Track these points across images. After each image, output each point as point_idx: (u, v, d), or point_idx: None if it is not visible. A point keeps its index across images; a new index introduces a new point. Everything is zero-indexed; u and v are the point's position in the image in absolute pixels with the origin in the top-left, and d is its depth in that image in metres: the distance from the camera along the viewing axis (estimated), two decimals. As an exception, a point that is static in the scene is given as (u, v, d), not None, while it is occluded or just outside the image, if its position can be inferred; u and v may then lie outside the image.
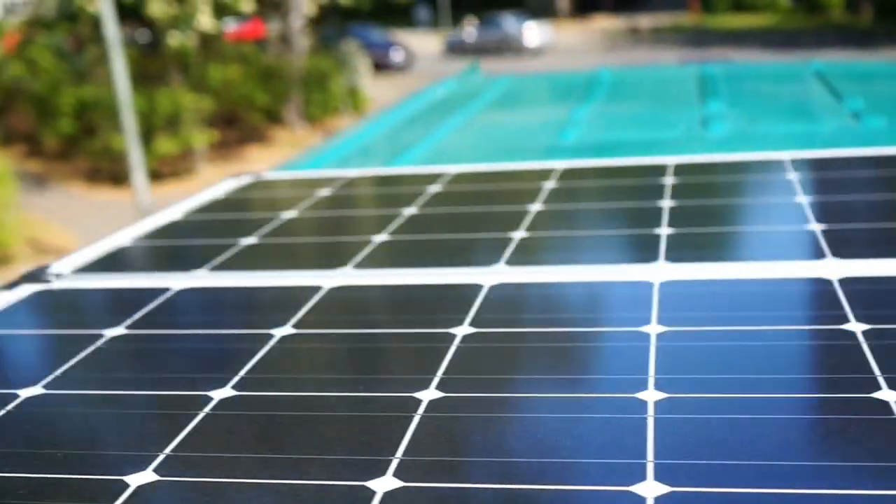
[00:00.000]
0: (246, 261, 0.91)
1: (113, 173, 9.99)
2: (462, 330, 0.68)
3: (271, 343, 0.68)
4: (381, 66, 17.48)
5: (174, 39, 10.63)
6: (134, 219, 7.81)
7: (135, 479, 0.49)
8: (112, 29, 7.71)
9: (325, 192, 1.21)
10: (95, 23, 9.04)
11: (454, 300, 0.75)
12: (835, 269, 0.76)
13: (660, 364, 0.59)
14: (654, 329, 0.66)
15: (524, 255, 0.87)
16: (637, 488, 0.45)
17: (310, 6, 12.46)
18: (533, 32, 19.73)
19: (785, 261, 0.79)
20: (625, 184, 1.13)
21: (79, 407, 0.59)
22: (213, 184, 1.37)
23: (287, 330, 0.71)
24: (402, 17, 24.42)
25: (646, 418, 0.52)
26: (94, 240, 1.08)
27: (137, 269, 0.91)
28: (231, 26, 13.24)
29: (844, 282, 0.72)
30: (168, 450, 0.52)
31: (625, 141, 1.80)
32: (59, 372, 0.65)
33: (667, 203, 1.01)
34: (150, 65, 11.05)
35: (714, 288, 0.73)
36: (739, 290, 0.73)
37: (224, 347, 0.68)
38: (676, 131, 1.87)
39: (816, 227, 0.88)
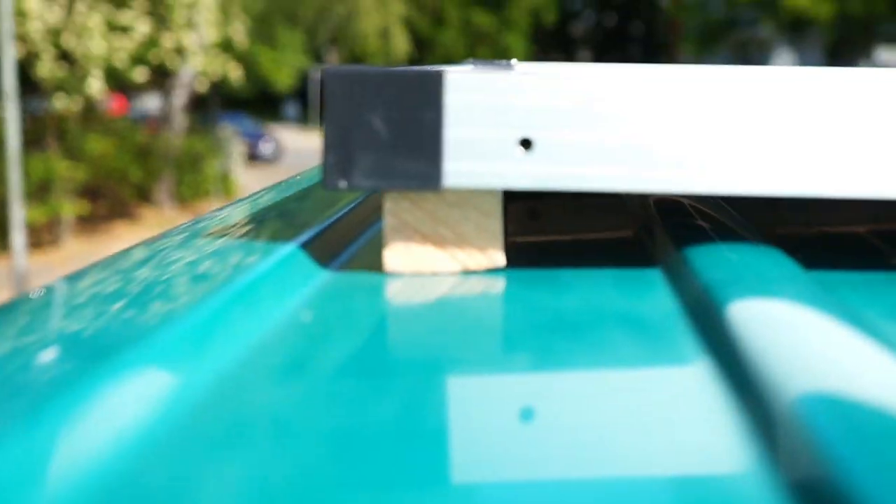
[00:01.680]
0: None
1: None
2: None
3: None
4: (252, 156, 17.47)
5: (60, 102, 10.40)
6: (8, 284, 7.52)
7: None
8: (10, 81, 7.52)
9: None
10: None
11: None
12: None
13: None
14: None
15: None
16: None
17: (201, 82, 12.40)
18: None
19: None
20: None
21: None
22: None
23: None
24: (272, 111, 24.55)
25: None
26: None
27: None
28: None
29: None
30: None
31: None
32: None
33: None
34: (28, 129, 10.74)
35: None
36: None
37: None
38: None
39: None
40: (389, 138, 0.52)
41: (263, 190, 0.86)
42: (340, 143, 0.53)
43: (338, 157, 0.53)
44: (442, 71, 0.53)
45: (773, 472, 0.30)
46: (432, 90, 0.52)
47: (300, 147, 20.89)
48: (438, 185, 0.53)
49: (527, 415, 0.35)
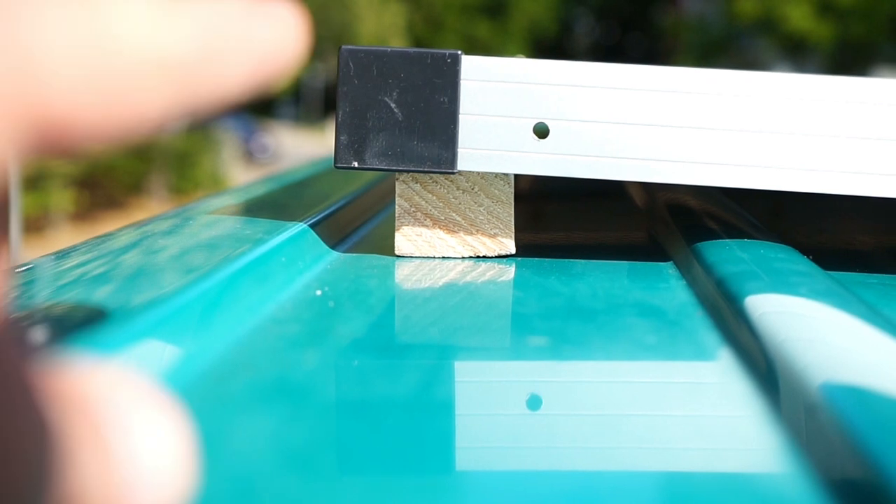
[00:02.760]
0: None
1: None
2: None
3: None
4: (248, 154, 17.46)
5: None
6: None
7: None
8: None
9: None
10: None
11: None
12: None
13: None
14: None
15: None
16: None
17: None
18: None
19: None
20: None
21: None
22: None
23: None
24: (267, 111, 24.55)
25: None
26: None
27: None
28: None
29: None
30: None
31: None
32: None
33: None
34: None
35: None
36: None
37: None
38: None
39: None
40: (404, 119, 0.52)
41: (271, 176, 0.86)
42: (354, 122, 0.52)
43: (350, 136, 0.52)
44: (459, 53, 0.52)
45: (798, 462, 0.29)
46: (449, 72, 0.52)
47: (295, 147, 20.90)
48: (453, 167, 0.52)
49: (538, 401, 0.34)
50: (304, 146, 20.22)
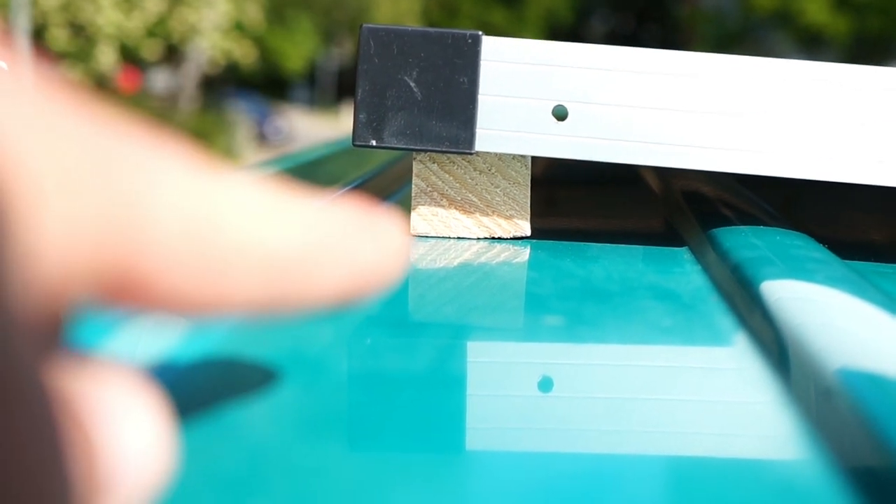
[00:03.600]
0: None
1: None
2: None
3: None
4: (262, 136, 17.48)
5: (71, 74, 10.45)
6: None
7: None
8: (23, 51, 7.55)
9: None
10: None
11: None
12: None
13: None
14: None
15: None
16: None
17: (213, 61, 12.46)
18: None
19: None
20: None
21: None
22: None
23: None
24: (281, 93, 24.56)
25: None
26: None
27: None
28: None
29: None
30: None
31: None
32: None
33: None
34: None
35: None
36: None
37: None
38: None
39: None
40: (423, 99, 0.52)
41: (285, 155, 0.86)
42: (373, 101, 0.52)
43: (369, 115, 0.52)
44: (479, 34, 0.52)
45: (814, 447, 0.29)
46: (469, 53, 0.52)
47: (309, 130, 20.93)
48: (471, 148, 0.52)
49: (551, 382, 0.34)
50: (318, 129, 20.23)
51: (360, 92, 0.52)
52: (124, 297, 0.17)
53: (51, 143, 0.15)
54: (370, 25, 0.52)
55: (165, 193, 0.17)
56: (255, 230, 0.18)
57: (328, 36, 22.71)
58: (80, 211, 0.15)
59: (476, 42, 0.52)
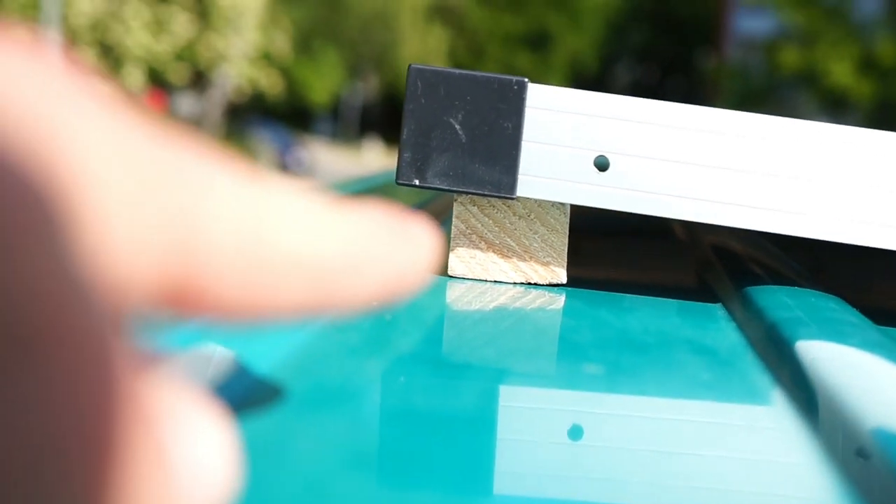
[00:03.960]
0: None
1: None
2: None
3: None
4: (284, 166, 17.57)
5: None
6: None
7: None
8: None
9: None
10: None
11: None
12: None
13: None
14: None
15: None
16: None
17: (239, 89, 12.53)
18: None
19: None
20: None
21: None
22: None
23: None
24: (305, 125, 24.70)
25: None
26: None
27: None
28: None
29: None
30: None
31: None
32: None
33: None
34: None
35: None
36: None
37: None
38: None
39: None
40: (467, 142, 0.52)
41: (322, 186, 0.86)
42: (418, 141, 0.53)
43: (414, 154, 0.53)
44: (525, 81, 0.53)
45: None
46: (515, 98, 0.52)
47: (330, 164, 21.01)
48: (512, 193, 0.53)
49: (583, 431, 0.35)
50: (340, 163, 20.32)
51: (405, 131, 0.53)
52: (179, 305, 0.17)
53: (116, 151, 0.15)
54: (418, 66, 0.53)
55: (219, 204, 0.17)
56: (302, 239, 0.19)
57: (354, 70, 22.87)
58: (143, 221, 0.16)
59: (522, 88, 0.52)
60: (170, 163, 0.16)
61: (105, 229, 0.15)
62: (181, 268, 0.17)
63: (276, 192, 0.19)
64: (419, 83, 0.53)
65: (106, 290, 0.15)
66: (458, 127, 0.52)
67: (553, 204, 0.55)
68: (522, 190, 0.53)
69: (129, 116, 0.16)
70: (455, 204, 0.55)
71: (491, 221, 0.55)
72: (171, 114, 15.46)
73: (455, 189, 0.53)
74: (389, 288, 0.21)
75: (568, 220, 0.55)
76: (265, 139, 15.46)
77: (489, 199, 0.54)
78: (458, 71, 0.53)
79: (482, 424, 0.34)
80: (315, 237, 0.19)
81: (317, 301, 0.19)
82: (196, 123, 13.24)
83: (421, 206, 0.68)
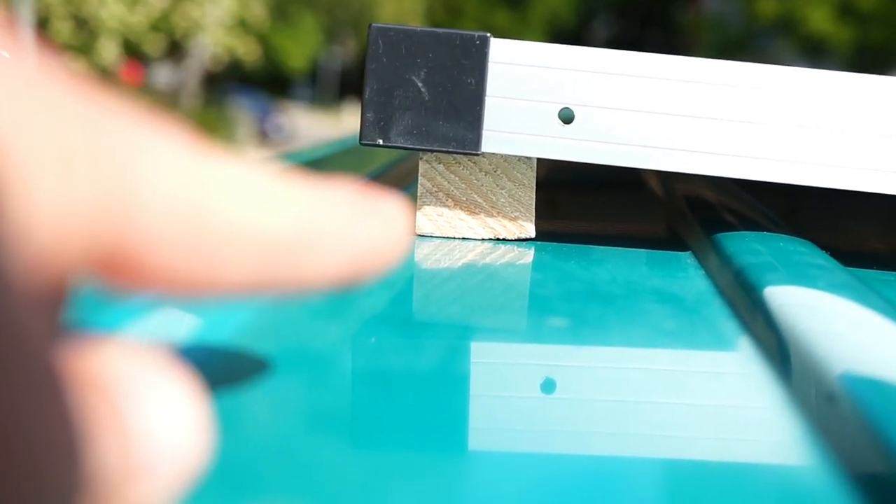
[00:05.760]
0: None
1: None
2: None
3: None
4: (263, 133, 17.46)
5: (75, 67, 10.44)
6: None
7: None
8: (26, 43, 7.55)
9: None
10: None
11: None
12: None
13: None
14: None
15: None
16: None
17: (216, 58, 12.43)
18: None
19: None
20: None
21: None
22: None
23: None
24: (282, 91, 24.53)
25: None
26: None
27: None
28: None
29: None
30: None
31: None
32: None
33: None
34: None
35: None
36: None
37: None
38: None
39: None
40: (430, 99, 0.52)
41: (288, 153, 0.86)
42: (380, 100, 0.52)
43: (377, 114, 0.52)
44: (487, 36, 0.52)
45: (817, 452, 0.29)
46: (477, 54, 0.52)
47: (310, 129, 20.90)
48: (477, 149, 0.52)
49: (553, 384, 0.34)
50: (319, 128, 20.20)
51: (367, 91, 0.52)
52: (118, 274, 0.17)
53: (44, 120, 0.15)
54: (379, 25, 0.52)
55: (159, 173, 0.17)
56: (249, 211, 0.18)
57: (331, 35, 22.70)
58: (72, 187, 0.15)
59: (484, 44, 0.52)
60: (108, 132, 0.16)
61: (27, 195, 0.15)
62: (115, 234, 0.16)
63: (222, 164, 0.18)
64: (380, 42, 0.52)
65: (29, 256, 0.15)
66: (420, 85, 0.52)
67: (519, 158, 0.55)
68: (487, 146, 0.52)
69: (61, 85, 0.16)
70: (420, 162, 0.55)
71: (457, 178, 0.55)
72: (148, 85, 15.33)
73: (420, 147, 0.52)
74: (352, 267, 0.20)
75: (535, 175, 0.55)
76: (244, 107, 15.38)
77: (455, 156, 0.54)
78: (419, 28, 0.53)
79: (455, 382, 0.34)
80: (263, 210, 0.18)
81: (270, 277, 0.19)
82: (174, 94, 13.15)
83: (386, 168, 0.68)
